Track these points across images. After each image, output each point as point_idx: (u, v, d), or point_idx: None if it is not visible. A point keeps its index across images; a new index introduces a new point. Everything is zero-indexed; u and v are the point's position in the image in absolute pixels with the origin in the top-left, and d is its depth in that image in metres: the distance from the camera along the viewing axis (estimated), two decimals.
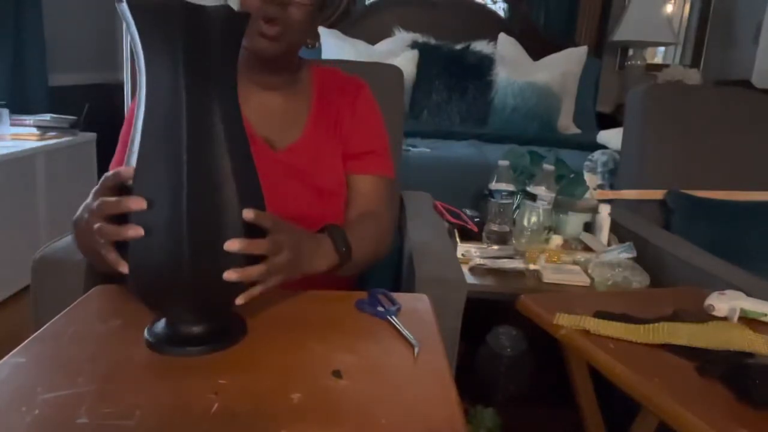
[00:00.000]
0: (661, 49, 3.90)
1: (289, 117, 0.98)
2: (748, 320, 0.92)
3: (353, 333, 0.69)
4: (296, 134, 0.98)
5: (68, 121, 2.55)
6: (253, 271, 0.62)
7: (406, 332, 0.68)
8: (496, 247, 1.54)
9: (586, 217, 1.64)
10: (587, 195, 1.69)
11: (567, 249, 1.55)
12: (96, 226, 0.59)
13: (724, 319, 0.93)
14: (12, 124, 2.33)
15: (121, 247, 0.60)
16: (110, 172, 0.63)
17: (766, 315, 0.93)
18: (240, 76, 0.94)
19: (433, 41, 3.20)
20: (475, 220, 1.67)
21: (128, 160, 0.60)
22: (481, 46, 3.18)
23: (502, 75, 3.05)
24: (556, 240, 1.56)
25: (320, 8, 0.93)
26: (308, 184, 0.97)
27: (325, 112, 1.00)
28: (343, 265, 0.84)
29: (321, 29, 3.22)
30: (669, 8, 3.69)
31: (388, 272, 1.30)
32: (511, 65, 3.10)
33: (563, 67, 3.11)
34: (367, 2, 3.57)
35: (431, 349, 0.65)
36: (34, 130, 2.35)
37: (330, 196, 0.99)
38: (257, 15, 0.86)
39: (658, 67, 3.61)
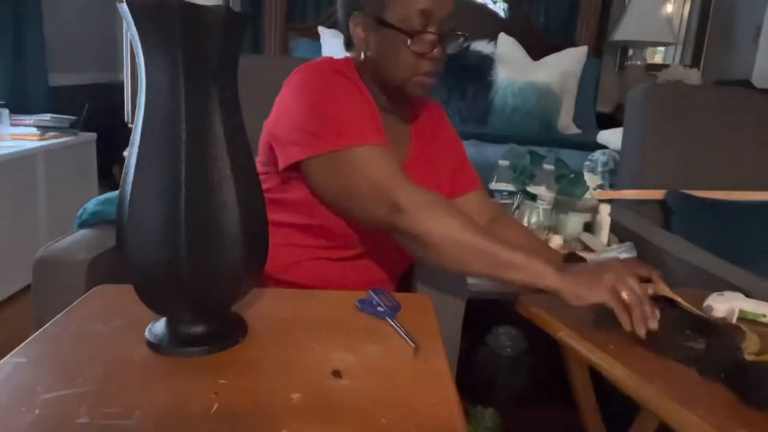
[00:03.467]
0: (661, 49, 3.90)
1: (397, 137, 1.00)
2: (748, 321, 0.92)
3: (353, 333, 0.69)
4: (405, 153, 1.01)
5: (68, 121, 2.55)
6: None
7: (405, 332, 0.68)
8: None
9: (586, 217, 1.64)
10: (587, 195, 1.69)
11: (567, 249, 1.54)
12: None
13: (723, 319, 0.93)
14: (12, 124, 2.33)
15: (121, 247, 0.60)
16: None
17: (765, 316, 0.93)
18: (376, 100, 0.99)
19: None
20: None
21: (128, 160, 0.60)
22: (481, 46, 3.17)
23: (502, 75, 3.05)
24: (556, 240, 1.56)
25: None
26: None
27: (421, 131, 1.05)
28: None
29: (321, 29, 3.23)
30: (669, 8, 3.69)
31: None
32: (511, 65, 3.10)
33: (563, 67, 3.11)
34: None
35: (431, 349, 0.65)
36: (34, 130, 2.35)
37: None
38: (418, 67, 0.91)
39: (658, 67, 3.61)
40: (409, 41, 0.89)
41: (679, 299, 0.83)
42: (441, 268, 0.86)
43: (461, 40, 0.95)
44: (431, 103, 1.11)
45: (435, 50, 0.90)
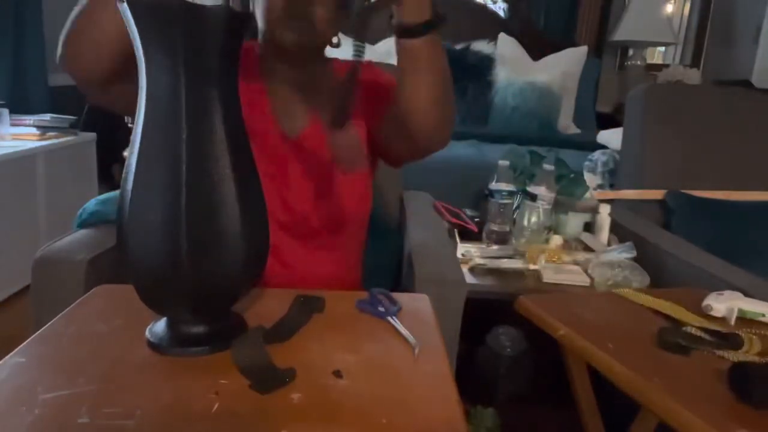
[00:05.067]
0: (661, 49, 3.90)
1: (306, 106, 1.00)
2: (747, 321, 0.92)
3: (353, 333, 0.69)
4: (307, 122, 1.00)
5: (68, 121, 2.55)
6: None
7: (406, 332, 0.68)
8: (496, 247, 1.54)
9: (586, 217, 1.64)
10: (587, 195, 1.69)
11: (567, 249, 1.55)
12: None
13: (722, 319, 0.93)
14: (12, 124, 2.33)
15: (121, 247, 0.60)
16: None
17: (764, 315, 0.93)
18: (264, 67, 0.98)
19: None
20: (475, 220, 1.68)
21: (128, 160, 0.60)
22: (481, 46, 3.18)
23: (502, 75, 3.05)
24: (556, 240, 1.56)
25: (342, 5, 0.95)
26: (325, 167, 0.99)
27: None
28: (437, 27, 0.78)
29: None
30: (669, 8, 3.69)
31: (388, 272, 1.30)
32: (511, 65, 3.10)
33: (563, 67, 3.11)
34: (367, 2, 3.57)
35: (431, 349, 0.65)
36: (34, 130, 2.35)
37: (350, 178, 1.01)
38: (284, 12, 0.90)
39: (658, 67, 3.61)
40: None
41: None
42: None
43: None
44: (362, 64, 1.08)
45: None
